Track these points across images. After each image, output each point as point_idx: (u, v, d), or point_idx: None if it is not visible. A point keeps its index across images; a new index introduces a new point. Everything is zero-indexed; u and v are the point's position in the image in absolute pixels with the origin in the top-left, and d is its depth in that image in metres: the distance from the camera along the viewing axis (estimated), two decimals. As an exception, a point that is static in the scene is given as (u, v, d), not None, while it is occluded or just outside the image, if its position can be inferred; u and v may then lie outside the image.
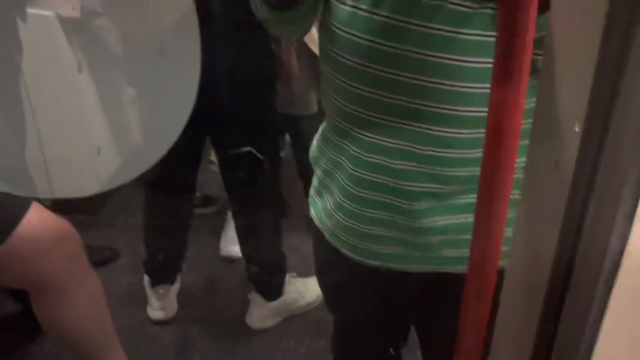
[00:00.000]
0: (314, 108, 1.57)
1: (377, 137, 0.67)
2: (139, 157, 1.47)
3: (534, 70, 0.40)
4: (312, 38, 1.39)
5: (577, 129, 0.32)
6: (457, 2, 0.58)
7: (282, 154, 1.80)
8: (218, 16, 1.29)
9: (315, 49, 1.39)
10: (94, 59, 1.62)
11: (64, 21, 1.51)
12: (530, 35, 0.39)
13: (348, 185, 0.72)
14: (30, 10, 1.44)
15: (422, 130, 0.64)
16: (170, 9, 1.24)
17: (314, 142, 0.81)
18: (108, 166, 1.62)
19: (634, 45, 0.30)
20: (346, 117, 0.69)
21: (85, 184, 1.56)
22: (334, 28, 0.66)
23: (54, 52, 1.53)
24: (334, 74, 0.68)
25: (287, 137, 1.82)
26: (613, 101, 0.31)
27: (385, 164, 0.68)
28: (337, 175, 0.74)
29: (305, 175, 1.76)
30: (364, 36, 0.63)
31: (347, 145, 0.71)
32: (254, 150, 1.41)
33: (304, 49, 1.43)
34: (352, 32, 0.64)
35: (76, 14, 1.46)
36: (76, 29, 1.55)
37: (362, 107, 0.67)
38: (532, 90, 0.40)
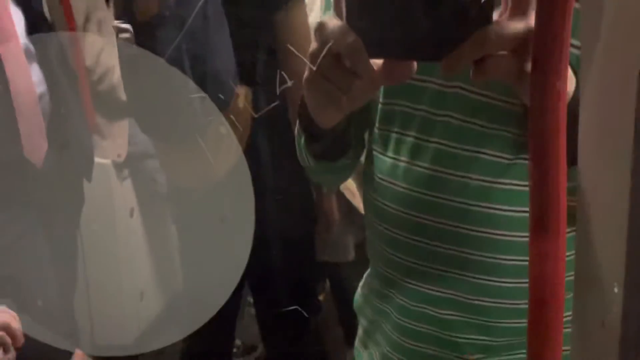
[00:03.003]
0: (352, 255, 1.59)
1: (422, 285, 0.67)
2: (182, 308, 1.47)
3: (574, 220, 0.41)
4: (348, 187, 1.44)
5: (616, 290, 0.33)
6: (493, 153, 0.61)
7: (321, 298, 1.79)
8: (265, 168, 1.37)
9: (351, 198, 1.44)
10: (145, 203, 1.69)
11: (119, 166, 1.62)
12: (563, 185, 0.39)
13: (394, 335, 0.71)
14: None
15: (466, 278, 0.64)
16: (220, 159, 1.32)
17: (359, 290, 0.81)
18: (150, 312, 1.63)
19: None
20: (391, 264, 0.70)
21: (126, 330, 1.56)
22: (376, 178, 0.69)
23: (108, 199, 1.61)
24: (378, 221, 0.70)
25: (327, 282, 1.82)
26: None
27: (432, 313, 0.67)
28: (383, 325, 0.73)
29: (346, 321, 1.73)
30: (404, 186, 0.66)
31: (393, 293, 0.71)
32: (298, 308, 1.43)
33: (341, 197, 1.48)
34: (393, 181, 0.67)
35: (120, 159, 1.59)
36: (131, 172, 1.64)
37: (405, 255, 0.68)
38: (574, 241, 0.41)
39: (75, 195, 1.38)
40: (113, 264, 1.63)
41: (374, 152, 0.70)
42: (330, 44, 0.46)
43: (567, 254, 0.40)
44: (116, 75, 1.40)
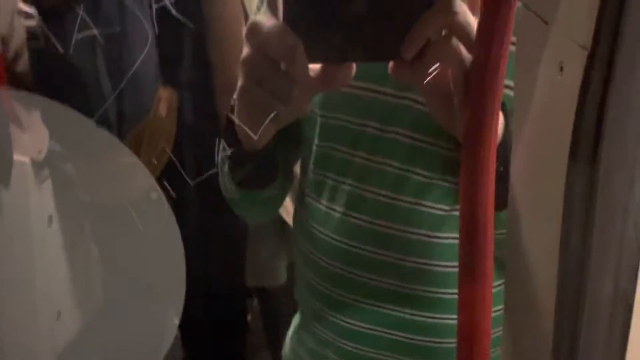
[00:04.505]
0: (283, 277, 1.57)
1: (357, 345, 0.65)
2: (103, 330, 1.39)
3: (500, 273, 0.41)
4: (284, 205, 1.42)
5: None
6: (431, 204, 0.60)
7: (249, 318, 1.76)
8: (190, 190, 1.31)
9: (286, 217, 1.41)
10: (66, 210, 1.58)
11: (37, 165, 1.47)
12: (490, 233, 0.40)
13: None
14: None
15: (404, 339, 0.63)
16: (131, 183, 1.22)
17: (287, 341, 0.78)
18: (67, 333, 1.54)
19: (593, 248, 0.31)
20: (323, 320, 0.67)
21: (40, 353, 1.47)
22: (309, 226, 0.66)
23: (24, 204, 1.47)
24: (310, 273, 0.68)
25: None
26: (577, 340, 0.32)
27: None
28: None
29: (274, 343, 1.71)
30: (338, 238, 0.63)
31: (325, 350, 0.68)
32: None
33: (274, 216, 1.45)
34: (327, 232, 0.64)
35: (40, 157, 1.37)
36: (51, 173, 1.51)
37: (339, 312, 0.65)
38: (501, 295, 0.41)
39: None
40: (27, 278, 1.52)
41: (307, 198, 0.67)
42: (265, 47, 0.43)
43: (494, 308, 0.40)
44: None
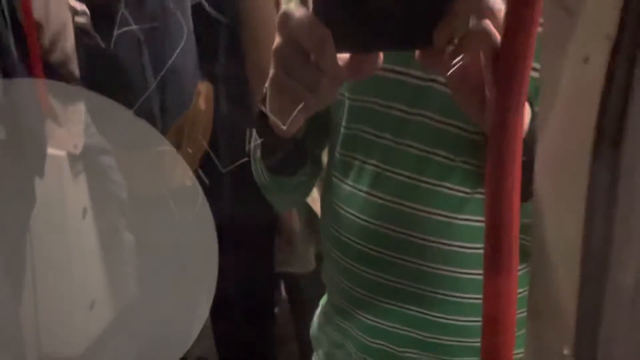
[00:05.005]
0: (312, 265, 1.58)
1: (380, 321, 0.66)
2: (136, 319, 1.42)
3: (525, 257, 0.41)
4: (313, 196, 1.43)
5: (565, 352, 0.33)
6: (453, 186, 0.61)
7: (276, 310, 1.78)
8: (224, 177, 1.33)
9: (312, 204, 1.42)
10: (99, 203, 1.60)
11: (73, 159, 1.48)
12: (516, 225, 0.40)
13: None
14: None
15: (425, 316, 0.64)
16: (173, 171, 1.25)
17: (315, 319, 0.79)
18: (101, 322, 1.58)
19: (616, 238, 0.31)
20: (347, 297, 0.69)
21: (74, 341, 1.51)
22: (334, 206, 0.68)
23: (59, 197, 1.52)
24: (335, 251, 0.69)
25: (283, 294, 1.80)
26: (599, 327, 0.32)
27: (390, 350, 0.66)
28: (340, 359, 0.72)
29: (302, 335, 1.72)
30: (363, 217, 0.64)
31: (350, 327, 0.69)
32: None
33: (304, 205, 1.46)
34: (352, 211, 0.65)
35: (77, 151, 1.43)
36: (85, 167, 1.53)
37: (362, 288, 0.66)
38: (526, 278, 0.41)
39: (25, 195, 1.27)
40: (62, 268, 1.56)
41: (334, 179, 0.68)
42: (294, 37, 0.44)
43: (519, 290, 0.41)
44: (69, 42, 1.20)
